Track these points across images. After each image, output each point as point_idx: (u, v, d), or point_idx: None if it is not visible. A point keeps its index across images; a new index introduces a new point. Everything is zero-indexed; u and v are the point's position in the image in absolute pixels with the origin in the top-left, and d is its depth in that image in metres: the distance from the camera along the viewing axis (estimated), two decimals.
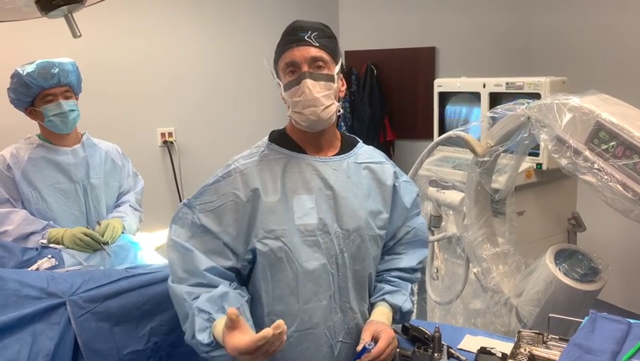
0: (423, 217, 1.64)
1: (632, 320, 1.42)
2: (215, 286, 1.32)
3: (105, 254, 2.03)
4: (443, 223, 2.49)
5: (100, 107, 3.20)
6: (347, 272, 1.41)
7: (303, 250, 1.35)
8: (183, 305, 1.30)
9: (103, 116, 3.22)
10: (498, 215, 2.36)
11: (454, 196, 2.33)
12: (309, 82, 1.33)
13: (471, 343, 1.64)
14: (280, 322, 1.08)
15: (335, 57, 1.39)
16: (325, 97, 1.35)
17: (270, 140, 1.46)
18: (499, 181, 2.23)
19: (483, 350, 1.54)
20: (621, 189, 1.58)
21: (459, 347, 1.62)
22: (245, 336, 1.12)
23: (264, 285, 1.37)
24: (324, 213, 1.38)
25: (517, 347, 1.43)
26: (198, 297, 1.29)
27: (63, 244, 2.00)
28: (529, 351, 1.40)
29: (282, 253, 1.34)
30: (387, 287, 1.49)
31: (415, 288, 1.57)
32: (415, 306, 1.56)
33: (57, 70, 2.01)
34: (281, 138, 1.46)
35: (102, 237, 2.04)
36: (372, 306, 1.47)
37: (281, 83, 1.38)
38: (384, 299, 1.46)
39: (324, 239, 1.37)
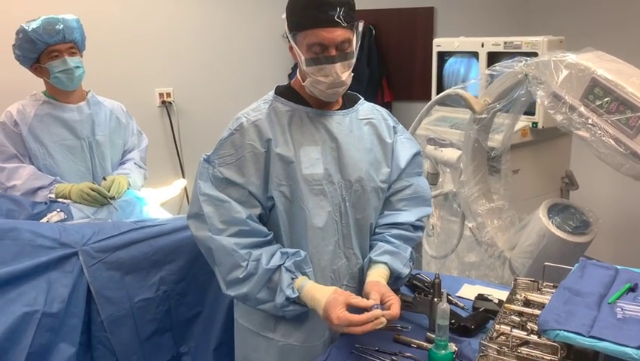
0: (425, 179, 1.67)
1: (619, 267, 1.49)
2: (258, 233, 1.42)
3: (112, 208, 2.08)
4: (440, 180, 2.55)
5: (97, 67, 3.17)
6: (349, 220, 1.50)
7: (310, 199, 1.44)
8: (233, 256, 1.38)
9: (100, 75, 3.19)
10: (493, 173, 2.42)
11: (451, 154, 2.38)
12: (337, 66, 1.37)
13: (469, 291, 1.71)
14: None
15: (357, 30, 1.41)
16: (348, 76, 1.41)
17: (276, 93, 1.51)
18: (496, 140, 2.28)
19: (480, 297, 1.61)
20: (614, 143, 1.64)
21: (457, 295, 1.70)
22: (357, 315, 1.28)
23: (284, 228, 1.47)
24: (329, 163, 1.46)
25: (513, 293, 1.50)
26: (247, 247, 1.39)
27: (70, 199, 2.05)
28: (524, 297, 1.47)
29: (294, 199, 1.43)
30: (387, 247, 1.51)
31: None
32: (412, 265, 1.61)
33: (62, 26, 2.02)
34: (287, 92, 1.51)
35: (108, 192, 2.09)
36: (370, 262, 1.51)
37: (301, 55, 1.39)
38: (385, 263, 1.48)
39: (329, 188, 1.46)
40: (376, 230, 1.57)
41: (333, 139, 1.47)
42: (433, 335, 1.42)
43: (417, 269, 1.74)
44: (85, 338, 1.69)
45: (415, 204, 1.60)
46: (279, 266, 1.40)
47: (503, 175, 2.34)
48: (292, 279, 1.39)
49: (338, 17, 1.33)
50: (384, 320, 1.28)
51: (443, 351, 1.34)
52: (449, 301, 1.58)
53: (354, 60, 1.42)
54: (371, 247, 1.55)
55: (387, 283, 1.45)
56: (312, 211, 1.44)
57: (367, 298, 1.35)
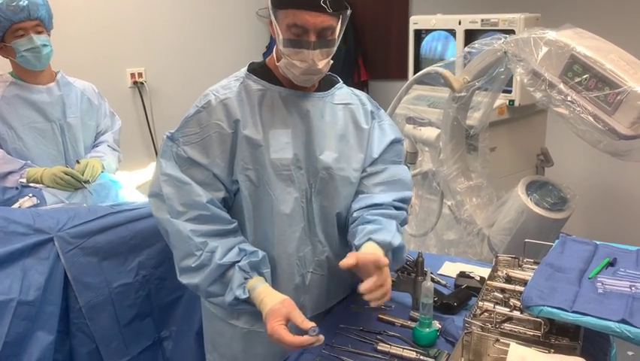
0: (405, 167, 1.58)
1: (598, 242, 1.52)
2: (219, 219, 1.34)
3: (87, 192, 2.02)
4: (420, 159, 2.55)
5: (65, 46, 3.07)
6: (314, 207, 1.43)
7: (277, 185, 1.37)
8: (188, 243, 1.31)
9: (68, 55, 3.09)
10: (471, 151, 2.43)
11: (430, 133, 2.38)
12: (315, 53, 1.29)
13: (450, 269, 1.73)
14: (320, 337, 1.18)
15: (343, 18, 1.32)
16: (325, 64, 1.33)
17: (248, 70, 1.42)
18: (474, 118, 2.29)
19: (462, 274, 1.63)
20: (592, 120, 1.66)
21: (439, 272, 1.71)
22: (288, 335, 1.20)
23: (247, 214, 1.39)
24: (298, 148, 1.39)
25: (494, 270, 1.52)
26: (205, 235, 1.31)
27: (43, 183, 1.99)
28: (506, 273, 1.49)
29: (260, 184, 1.37)
30: (370, 227, 1.38)
31: None
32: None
33: (26, 2, 1.93)
34: (260, 70, 1.42)
35: (82, 176, 2.03)
36: (356, 249, 1.39)
37: (279, 34, 1.30)
38: (370, 239, 1.35)
39: (297, 174, 1.39)
40: (354, 215, 1.45)
41: (305, 123, 1.39)
42: (416, 314, 1.43)
43: None
44: (63, 326, 1.66)
45: (393, 187, 1.49)
46: (234, 263, 1.32)
47: (481, 153, 2.35)
48: (245, 279, 1.31)
49: (324, 2, 1.24)
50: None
51: (427, 329, 1.36)
52: (431, 280, 1.59)
53: (334, 49, 1.34)
54: (354, 236, 1.43)
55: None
56: (279, 197, 1.37)
57: (367, 274, 1.23)
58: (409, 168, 2.56)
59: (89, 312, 1.68)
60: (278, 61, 1.35)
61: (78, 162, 2.11)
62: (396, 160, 1.53)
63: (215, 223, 1.34)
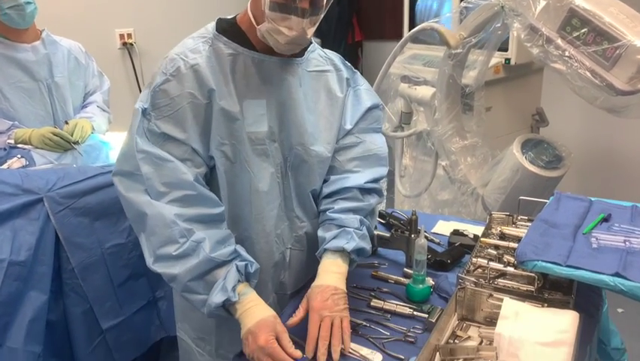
0: (382, 136, 1.49)
1: (593, 198, 1.51)
2: (206, 200, 1.24)
3: (77, 153, 2.00)
4: (414, 119, 2.52)
5: (50, 5, 2.99)
6: (290, 182, 1.37)
7: (254, 160, 1.30)
8: (171, 228, 1.18)
9: (54, 16, 3.00)
10: (466, 111, 2.41)
11: (425, 92, 2.34)
12: (306, 22, 1.19)
13: (443, 227, 1.72)
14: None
15: None
16: (312, 32, 1.24)
17: (217, 31, 1.27)
18: (470, 76, 2.25)
19: (456, 232, 1.62)
20: (590, 75, 1.63)
21: (432, 231, 1.71)
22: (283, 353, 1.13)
23: (223, 192, 1.31)
24: (273, 120, 1.30)
25: (488, 227, 1.51)
26: (191, 221, 1.20)
27: (31, 145, 1.96)
28: (500, 230, 1.48)
29: (237, 160, 1.29)
30: (328, 234, 1.33)
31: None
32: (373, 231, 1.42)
33: None
34: (231, 30, 1.27)
35: (71, 136, 2.00)
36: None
37: None
38: (325, 250, 1.31)
39: (271, 147, 1.32)
40: (322, 205, 1.39)
41: (280, 93, 1.29)
42: (410, 271, 1.42)
43: (391, 208, 1.73)
44: (56, 286, 1.65)
45: (368, 163, 1.40)
46: (228, 262, 1.21)
47: (476, 112, 2.33)
48: (238, 281, 1.20)
49: None
50: None
51: (421, 285, 1.35)
52: (425, 238, 1.58)
53: (321, 16, 1.25)
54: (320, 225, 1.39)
55: (352, 261, 1.33)
56: (257, 174, 1.30)
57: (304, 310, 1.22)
58: (403, 128, 2.55)
59: (81, 272, 1.67)
60: (257, 23, 1.23)
61: (67, 122, 2.07)
62: (374, 127, 1.45)
63: (200, 206, 1.23)
